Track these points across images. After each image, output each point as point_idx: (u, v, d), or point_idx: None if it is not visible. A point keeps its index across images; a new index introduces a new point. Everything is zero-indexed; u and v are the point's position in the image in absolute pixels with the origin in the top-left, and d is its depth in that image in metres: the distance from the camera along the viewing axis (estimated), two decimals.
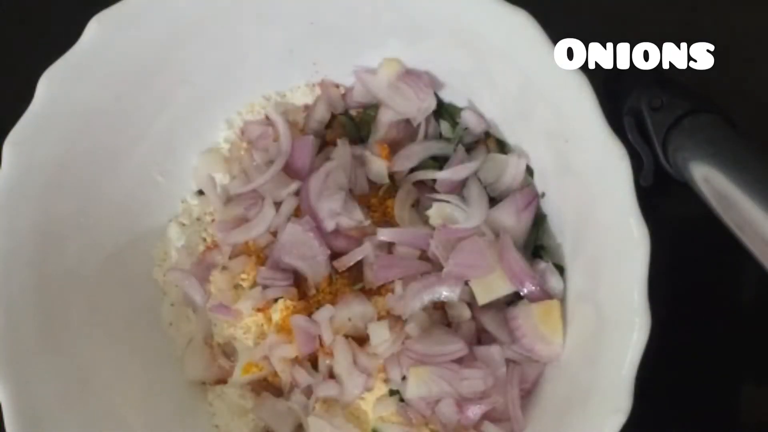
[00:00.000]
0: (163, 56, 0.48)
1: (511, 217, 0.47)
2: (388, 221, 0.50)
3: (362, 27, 0.49)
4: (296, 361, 0.48)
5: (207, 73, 0.51)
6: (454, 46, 0.47)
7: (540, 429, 0.44)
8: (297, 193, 0.50)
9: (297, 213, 0.49)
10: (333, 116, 0.53)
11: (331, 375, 0.48)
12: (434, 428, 0.46)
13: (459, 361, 0.45)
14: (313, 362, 0.49)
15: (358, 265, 0.49)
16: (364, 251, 0.48)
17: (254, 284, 0.49)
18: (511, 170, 0.49)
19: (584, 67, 0.42)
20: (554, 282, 0.46)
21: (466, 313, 0.47)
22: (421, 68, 0.50)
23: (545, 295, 0.46)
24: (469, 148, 0.50)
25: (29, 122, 0.44)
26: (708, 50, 0.49)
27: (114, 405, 0.47)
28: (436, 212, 0.48)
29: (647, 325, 0.39)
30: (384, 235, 0.47)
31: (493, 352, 0.46)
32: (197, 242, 0.53)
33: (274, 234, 0.50)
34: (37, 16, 0.59)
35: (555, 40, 0.42)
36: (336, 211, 0.48)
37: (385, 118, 0.51)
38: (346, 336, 0.47)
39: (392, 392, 0.47)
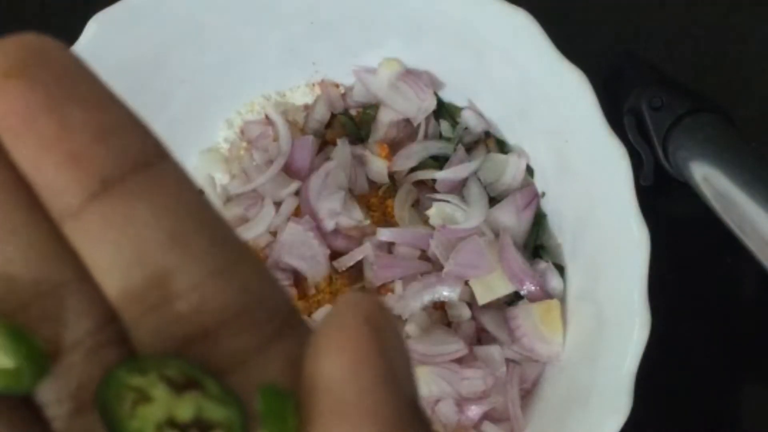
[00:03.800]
0: (163, 56, 0.48)
1: (511, 217, 0.47)
2: (388, 221, 0.50)
3: (362, 27, 0.49)
4: None
5: (207, 73, 0.51)
6: (454, 46, 0.47)
7: (540, 429, 0.44)
8: (297, 193, 0.50)
9: (297, 213, 0.49)
10: (333, 116, 0.53)
11: None
12: (434, 428, 0.46)
13: (459, 361, 0.45)
14: None
15: (358, 265, 0.48)
16: (364, 251, 0.48)
17: None
18: (511, 170, 0.49)
19: (584, 67, 0.42)
20: (554, 282, 0.46)
21: (466, 313, 0.47)
22: (421, 68, 0.50)
23: (545, 294, 0.46)
24: (469, 148, 0.50)
25: None
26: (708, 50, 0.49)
27: None
28: (436, 212, 0.48)
29: (647, 324, 0.39)
30: (384, 235, 0.47)
31: (493, 352, 0.46)
32: None
33: (274, 234, 0.50)
34: (37, 16, 0.59)
35: (555, 40, 0.42)
36: (336, 210, 0.48)
37: (385, 118, 0.51)
38: None
39: None
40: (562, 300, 0.46)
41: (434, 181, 0.50)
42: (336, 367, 0.12)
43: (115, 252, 0.12)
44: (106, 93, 0.13)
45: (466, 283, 0.46)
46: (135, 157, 0.12)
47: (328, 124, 0.53)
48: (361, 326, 0.12)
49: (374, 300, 0.12)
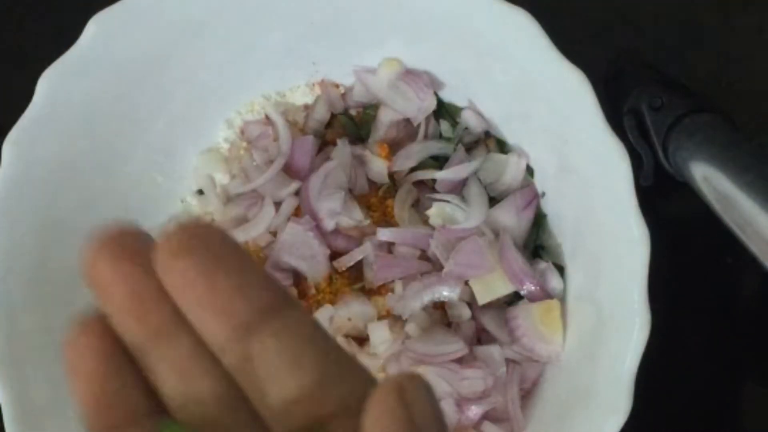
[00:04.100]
0: (162, 56, 0.48)
1: (511, 217, 0.47)
2: (388, 221, 0.50)
3: (362, 27, 0.49)
4: None
5: (207, 73, 0.51)
6: (454, 46, 0.47)
7: (540, 429, 0.44)
8: (297, 193, 0.50)
9: (297, 213, 0.49)
10: (333, 116, 0.53)
11: None
12: None
13: (459, 361, 0.45)
14: None
15: (358, 265, 0.48)
16: (364, 251, 0.48)
17: None
18: (511, 170, 0.49)
19: (584, 67, 0.42)
20: (554, 282, 0.46)
21: (466, 313, 0.47)
22: (421, 68, 0.50)
23: (545, 294, 0.46)
24: (469, 148, 0.50)
25: (29, 122, 0.44)
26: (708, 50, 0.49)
27: None
28: (436, 212, 0.48)
29: (647, 324, 0.39)
30: (384, 235, 0.47)
31: (493, 352, 0.46)
32: None
33: (274, 234, 0.50)
34: (37, 16, 0.59)
35: (555, 40, 0.42)
36: (336, 210, 0.48)
37: (385, 117, 0.51)
38: (346, 336, 0.47)
39: None
40: (562, 300, 0.46)
41: (434, 181, 0.50)
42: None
43: (254, 375, 0.17)
44: (247, 260, 0.17)
45: (466, 283, 0.46)
46: (267, 306, 0.17)
47: (328, 124, 0.53)
48: (391, 397, 0.16)
49: (410, 374, 0.17)
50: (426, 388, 0.17)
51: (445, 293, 0.46)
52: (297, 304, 0.18)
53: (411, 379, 0.17)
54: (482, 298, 0.46)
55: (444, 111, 0.51)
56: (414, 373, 0.18)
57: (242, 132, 0.53)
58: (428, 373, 0.45)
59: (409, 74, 0.50)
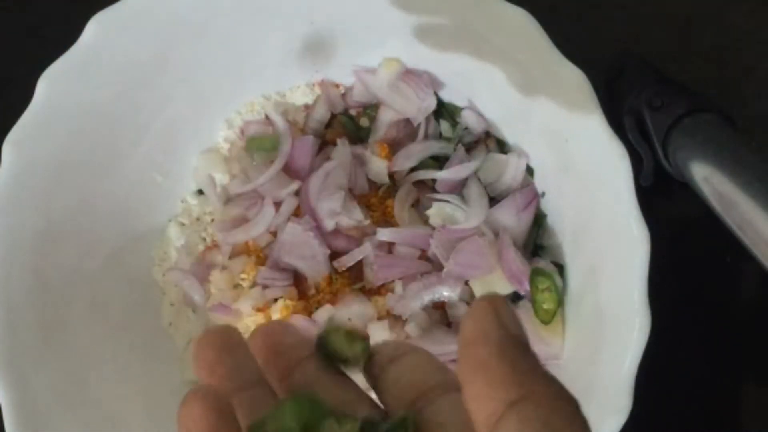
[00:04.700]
0: (163, 56, 0.48)
1: (511, 217, 0.47)
2: (388, 221, 0.50)
3: (362, 27, 0.49)
4: None
5: (207, 73, 0.51)
6: (454, 46, 0.47)
7: None
8: (297, 193, 0.50)
9: (297, 213, 0.49)
10: (333, 116, 0.53)
11: None
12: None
13: None
14: None
15: (358, 265, 0.48)
16: (364, 251, 0.48)
17: (254, 284, 0.49)
18: (511, 170, 0.49)
19: (584, 67, 0.42)
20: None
21: None
22: (421, 68, 0.50)
23: None
24: (469, 148, 0.50)
25: (29, 122, 0.44)
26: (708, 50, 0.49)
27: (114, 405, 0.47)
28: (436, 212, 0.48)
29: (647, 325, 0.39)
30: (384, 235, 0.47)
31: None
32: (197, 242, 0.53)
33: (274, 234, 0.50)
34: (37, 16, 0.59)
35: (555, 40, 0.42)
36: (336, 210, 0.48)
37: (385, 117, 0.51)
38: None
39: None
40: (562, 300, 0.46)
41: (434, 181, 0.50)
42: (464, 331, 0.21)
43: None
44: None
45: (466, 283, 0.46)
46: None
47: (328, 124, 0.53)
48: (484, 308, 0.21)
49: (493, 293, 0.21)
50: (508, 303, 0.21)
51: (445, 293, 0.46)
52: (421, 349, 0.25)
53: (496, 296, 0.22)
54: None
55: (444, 111, 0.51)
56: (496, 293, 0.22)
57: (242, 132, 0.53)
58: None
59: (409, 74, 0.50)
